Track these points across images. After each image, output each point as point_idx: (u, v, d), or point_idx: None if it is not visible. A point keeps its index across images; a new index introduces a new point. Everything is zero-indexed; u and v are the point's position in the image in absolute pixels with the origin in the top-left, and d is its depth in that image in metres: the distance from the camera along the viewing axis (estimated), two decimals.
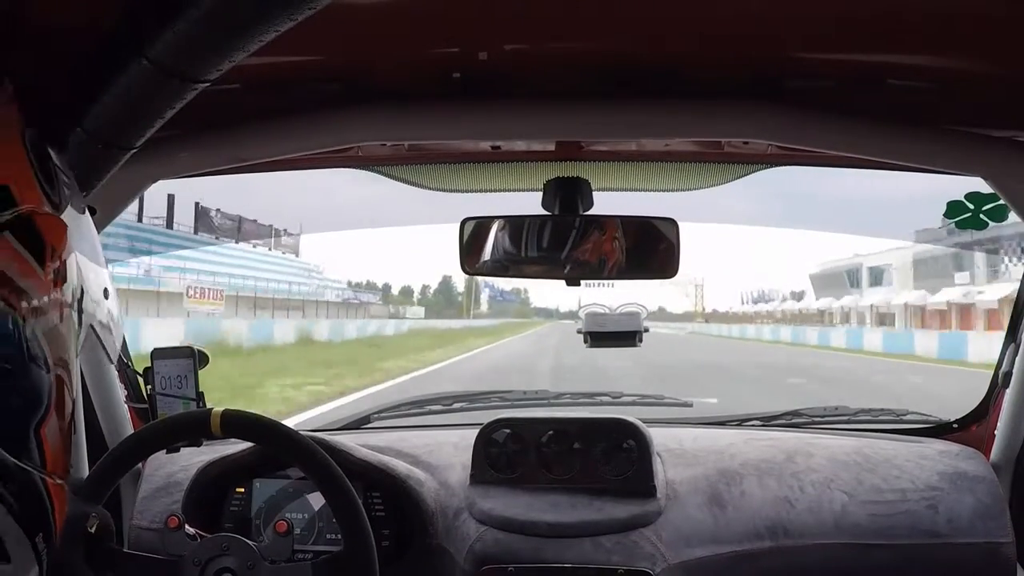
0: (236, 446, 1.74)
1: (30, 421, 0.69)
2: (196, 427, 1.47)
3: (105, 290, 0.93)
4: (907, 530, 1.73)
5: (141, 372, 1.76)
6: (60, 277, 0.75)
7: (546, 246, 1.64)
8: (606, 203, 1.69)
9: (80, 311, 0.81)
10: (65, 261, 0.77)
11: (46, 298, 0.72)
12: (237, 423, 1.44)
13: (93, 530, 1.35)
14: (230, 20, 0.82)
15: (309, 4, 0.78)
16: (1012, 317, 1.87)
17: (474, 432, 1.86)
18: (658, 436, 1.88)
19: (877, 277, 45.39)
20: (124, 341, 1.93)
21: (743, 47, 1.24)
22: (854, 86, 1.38)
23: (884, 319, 44.15)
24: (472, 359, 22.76)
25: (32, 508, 0.70)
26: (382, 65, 1.31)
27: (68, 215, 0.82)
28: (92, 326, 0.87)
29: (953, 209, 1.58)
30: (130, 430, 1.85)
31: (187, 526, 1.41)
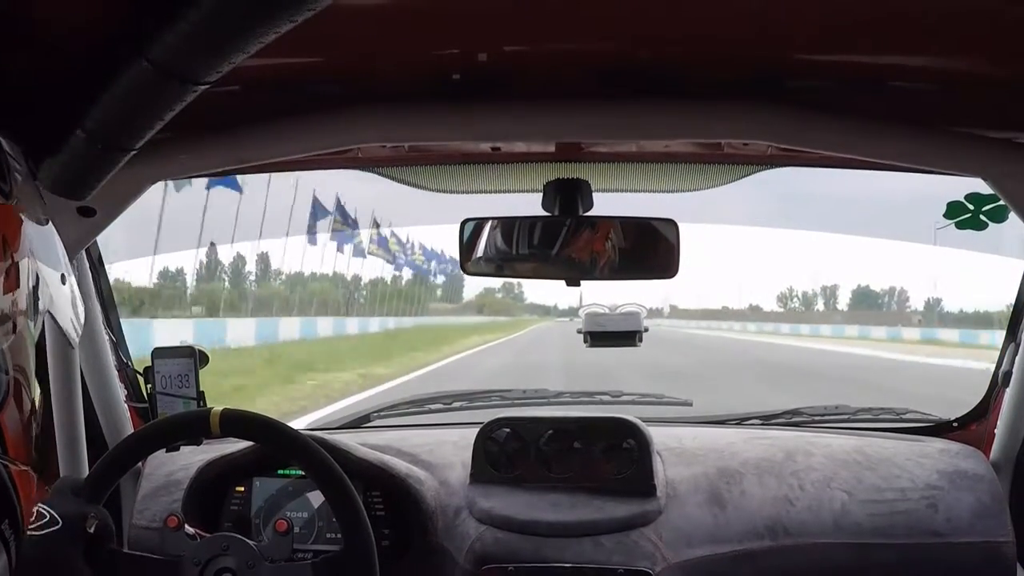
0: (236, 445, 1.75)
1: None
2: (195, 426, 1.47)
3: (62, 276, 0.93)
4: (907, 529, 1.73)
5: (141, 372, 1.76)
6: (15, 269, 0.75)
7: (546, 247, 1.64)
8: (606, 204, 1.69)
9: (36, 299, 0.80)
10: (18, 261, 0.76)
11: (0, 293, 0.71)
12: (236, 422, 1.44)
13: (92, 530, 1.35)
14: (230, 21, 0.82)
15: (309, 5, 0.78)
16: (1012, 317, 1.87)
17: (474, 431, 1.86)
18: (658, 435, 1.88)
19: None
20: (124, 341, 1.93)
21: (743, 48, 1.24)
22: (854, 87, 1.38)
23: None
24: None
25: None
26: (381, 66, 1.30)
27: (21, 204, 0.81)
28: (50, 312, 0.86)
29: (953, 210, 1.58)
30: (130, 430, 1.85)
31: (186, 526, 1.42)
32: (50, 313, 0.86)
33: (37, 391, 0.79)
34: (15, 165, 0.83)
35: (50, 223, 0.94)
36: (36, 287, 0.80)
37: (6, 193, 0.78)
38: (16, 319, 0.74)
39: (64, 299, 0.93)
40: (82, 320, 1.04)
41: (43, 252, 0.85)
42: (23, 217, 0.80)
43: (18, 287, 0.75)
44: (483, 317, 65.29)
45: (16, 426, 0.72)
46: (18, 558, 0.72)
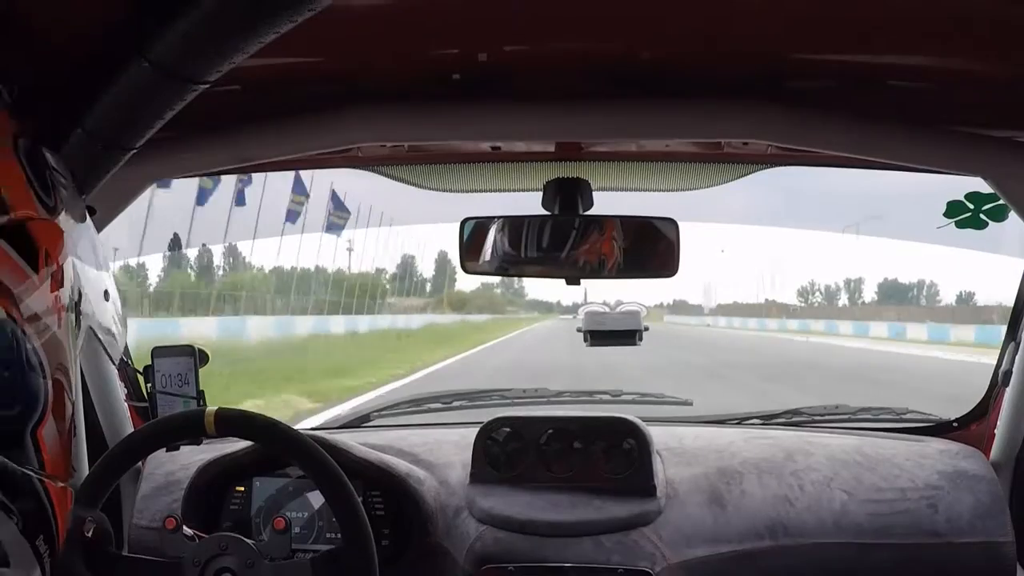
0: (236, 444, 1.74)
1: (27, 424, 0.69)
2: (190, 427, 1.47)
3: (105, 292, 0.93)
4: (907, 529, 1.73)
5: (141, 371, 1.76)
6: (57, 282, 0.76)
7: (546, 246, 1.64)
8: (606, 203, 1.70)
9: (78, 314, 0.81)
10: (62, 266, 0.77)
11: (42, 303, 0.72)
12: (232, 421, 1.44)
13: (90, 534, 1.35)
14: (230, 21, 0.82)
15: (309, 5, 0.78)
16: (1012, 316, 1.87)
17: (474, 431, 1.86)
18: (658, 435, 1.88)
19: None
20: (125, 341, 1.93)
21: (743, 47, 1.24)
22: (854, 86, 1.38)
23: None
24: None
25: (31, 510, 0.70)
26: (382, 66, 1.31)
27: (66, 219, 0.82)
28: (92, 328, 0.87)
29: (953, 209, 1.58)
30: (130, 429, 1.85)
31: (185, 527, 1.42)
32: (91, 328, 0.87)
33: (78, 400, 0.80)
34: (60, 180, 0.84)
35: (94, 233, 0.94)
36: (79, 302, 0.81)
37: (50, 208, 0.79)
38: (58, 325, 0.74)
39: (104, 314, 0.94)
40: (123, 341, 1.04)
41: (87, 266, 0.86)
42: (69, 230, 0.81)
43: (61, 298, 0.76)
44: (447, 316, 50.11)
45: (55, 440, 0.72)
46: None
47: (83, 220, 0.90)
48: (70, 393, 0.76)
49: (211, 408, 1.44)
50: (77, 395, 1.67)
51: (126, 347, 1.93)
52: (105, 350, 0.95)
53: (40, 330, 0.71)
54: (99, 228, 1.53)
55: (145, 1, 0.86)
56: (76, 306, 0.80)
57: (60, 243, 0.78)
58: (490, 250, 1.66)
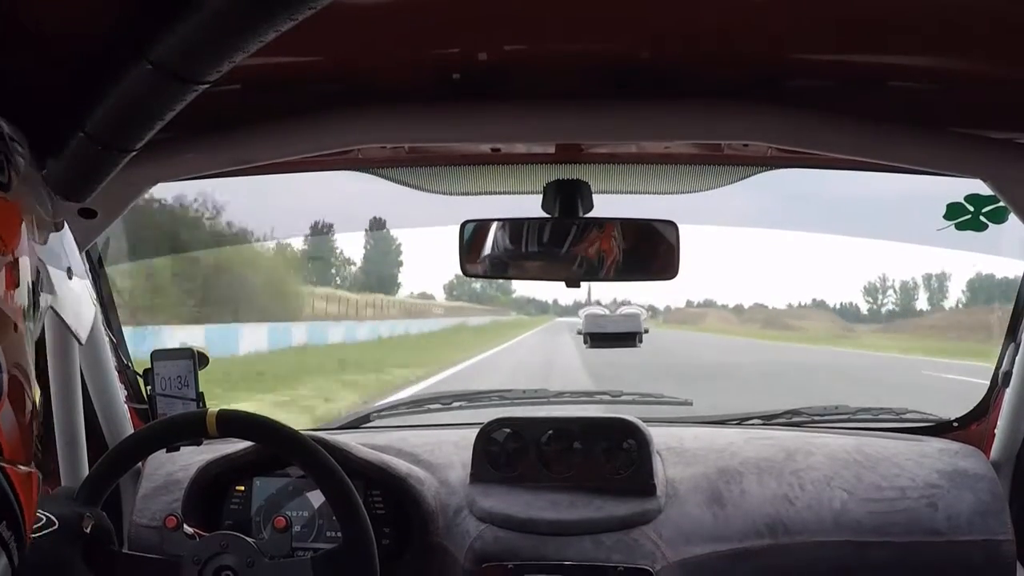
0: (236, 445, 1.75)
1: None
2: (193, 427, 1.47)
3: (68, 269, 0.91)
4: (907, 528, 1.73)
5: (141, 373, 1.76)
6: (12, 267, 0.73)
7: (545, 248, 1.64)
8: (606, 206, 1.69)
9: (36, 296, 0.78)
10: (17, 258, 0.74)
11: None
12: (234, 422, 1.44)
13: (88, 530, 1.35)
14: (230, 21, 0.82)
15: (309, 4, 0.78)
16: (1012, 317, 1.87)
17: (474, 431, 1.86)
18: (658, 435, 1.89)
19: None
20: (124, 342, 1.93)
21: (743, 49, 1.24)
22: (854, 88, 1.38)
23: None
24: None
25: None
26: (381, 66, 1.30)
27: (22, 195, 0.78)
28: (53, 308, 0.85)
29: (952, 211, 1.58)
30: (130, 430, 1.85)
31: (185, 525, 1.42)
32: (53, 310, 0.85)
33: (38, 391, 0.77)
34: (18, 157, 0.81)
35: (56, 214, 0.92)
36: (36, 283, 0.79)
37: (4, 186, 0.75)
38: (14, 317, 0.72)
39: (71, 296, 0.91)
40: (90, 318, 1.02)
41: (47, 247, 0.83)
42: (24, 210, 0.78)
43: (17, 285, 0.73)
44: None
45: (12, 426, 0.71)
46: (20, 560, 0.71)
47: (42, 195, 0.86)
48: (28, 383, 0.74)
49: (213, 409, 1.45)
50: (75, 386, 1.67)
51: (126, 350, 1.94)
52: (71, 331, 0.92)
53: None
54: (100, 231, 1.54)
55: (145, 1, 0.86)
56: (34, 287, 0.78)
57: (14, 222, 0.75)
58: (489, 252, 1.66)
